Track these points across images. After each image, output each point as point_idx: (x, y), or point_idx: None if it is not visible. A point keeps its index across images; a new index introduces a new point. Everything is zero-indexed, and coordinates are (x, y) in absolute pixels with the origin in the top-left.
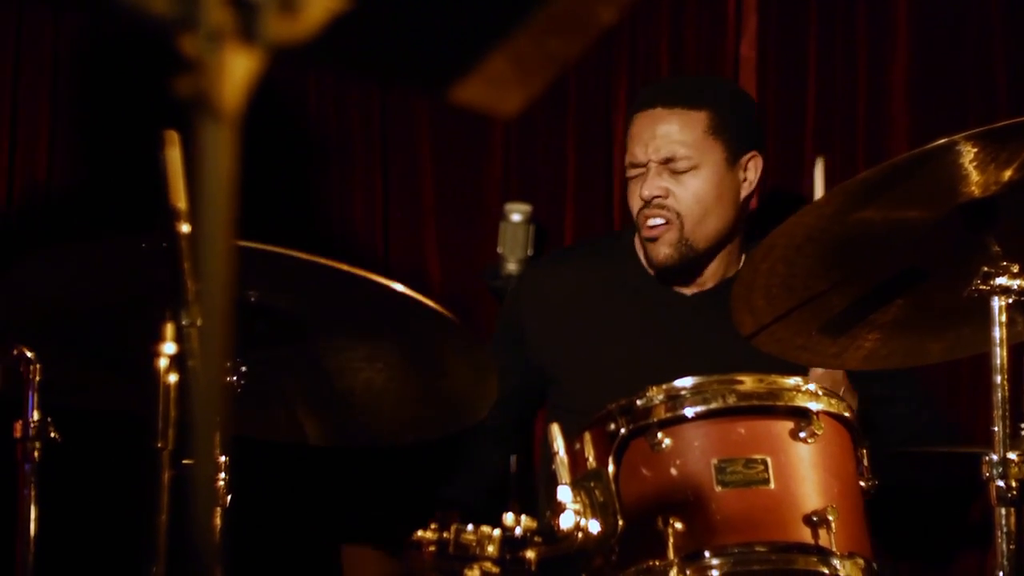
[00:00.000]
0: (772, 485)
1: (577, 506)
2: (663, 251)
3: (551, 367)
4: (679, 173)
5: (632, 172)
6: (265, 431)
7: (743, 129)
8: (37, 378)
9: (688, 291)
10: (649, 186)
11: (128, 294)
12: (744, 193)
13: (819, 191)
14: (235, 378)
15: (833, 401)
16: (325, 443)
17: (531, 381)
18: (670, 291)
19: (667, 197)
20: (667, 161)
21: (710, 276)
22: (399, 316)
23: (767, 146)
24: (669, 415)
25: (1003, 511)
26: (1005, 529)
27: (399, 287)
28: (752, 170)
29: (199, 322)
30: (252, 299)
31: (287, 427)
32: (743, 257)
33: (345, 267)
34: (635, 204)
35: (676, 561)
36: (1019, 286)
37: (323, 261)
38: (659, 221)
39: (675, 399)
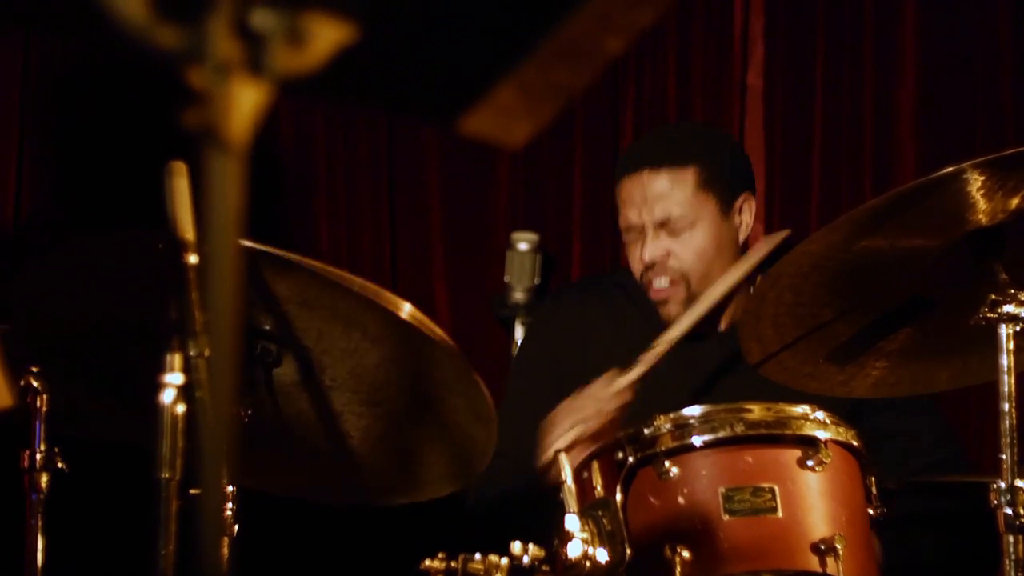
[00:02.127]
0: (780, 513)
1: (585, 535)
2: (674, 311)
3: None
4: (677, 232)
5: (628, 236)
6: (261, 483)
7: (732, 175)
8: (44, 408)
9: (704, 335)
10: (649, 250)
11: (135, 322)
12: (742, 237)
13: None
14: (243, 409)
15: (841, 429)
16: (319, 498)
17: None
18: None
19: (668, 258)
20: (663, 223)
21: (725, 320)
22: (404, 346)
23: (775, 174)
24: (676, 444)
25: (1011, 539)
26: (1013, 557)
27: (407, 309)
28: (747, 212)
29: (207, 352)
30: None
31: (282, 479)
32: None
33: (357, 283)
34: (637, 267)
35: None
36: None
37: (337, 273)
38: (664, 283)
39: (683, 428)
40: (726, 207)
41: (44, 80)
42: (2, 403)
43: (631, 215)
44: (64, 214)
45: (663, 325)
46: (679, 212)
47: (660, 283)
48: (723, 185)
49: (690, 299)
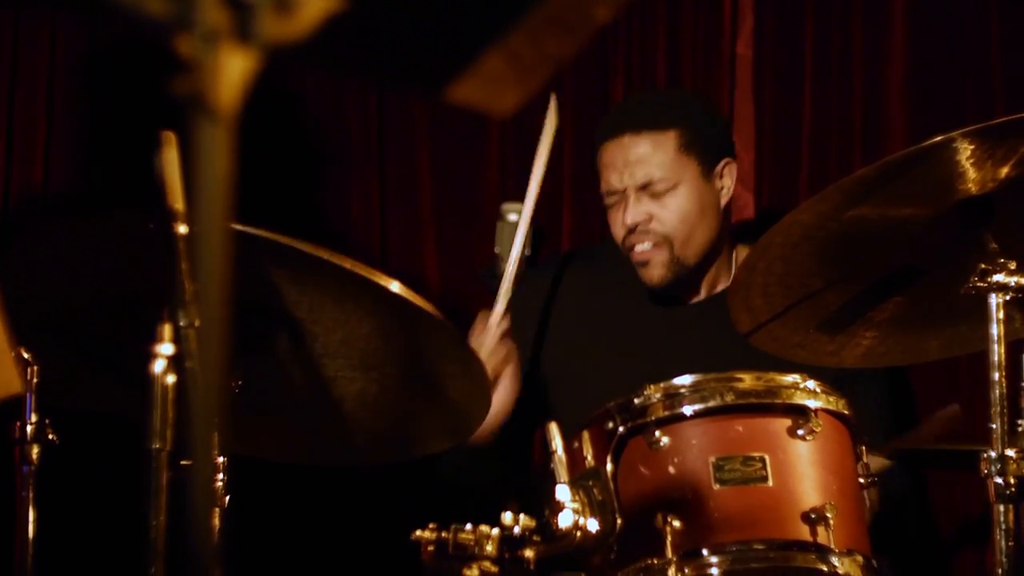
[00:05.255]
0: (770, 483)
1: (576, 505)
2: (656, 273)
3: (550, 374)
4: (659, 195)
5: (610, 200)
6: (253, 447)
7: (713, 139)
8: (35, 380)
9: (684, 302)
10: (631, 213)
11: (126, 293)
12: (724, 201)
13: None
14: (233, 379)
15: (832, 398)
16: (313, 461)
17: (532, 394)
18: (666, 303)
19: (651, 221)
20: (645, 186)
21: (705, 286)
22: (396, 319)
23: (765, 144)
24: (667, 413)
25: (1001, 508)
26: (1004, 526)
27: (396, 286)
28: (728, 176)
29: (197, 323)
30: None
31: (275, 443)
32: (734, 261)
33: (348, 262)
34: (619, 232)
35: (674, 559)
36: (1016, 283)
37: (325, 254)
38: (647, 246)
39: (673, 397)
40: (707, 170)
41: (34, 53)
42: (12, 389)
43: (612, 179)
44: (54, 185)
45: (646, 292)
46: (660, 174)
47: (642, 246)
48: (704, 148)
49: (672, 262)
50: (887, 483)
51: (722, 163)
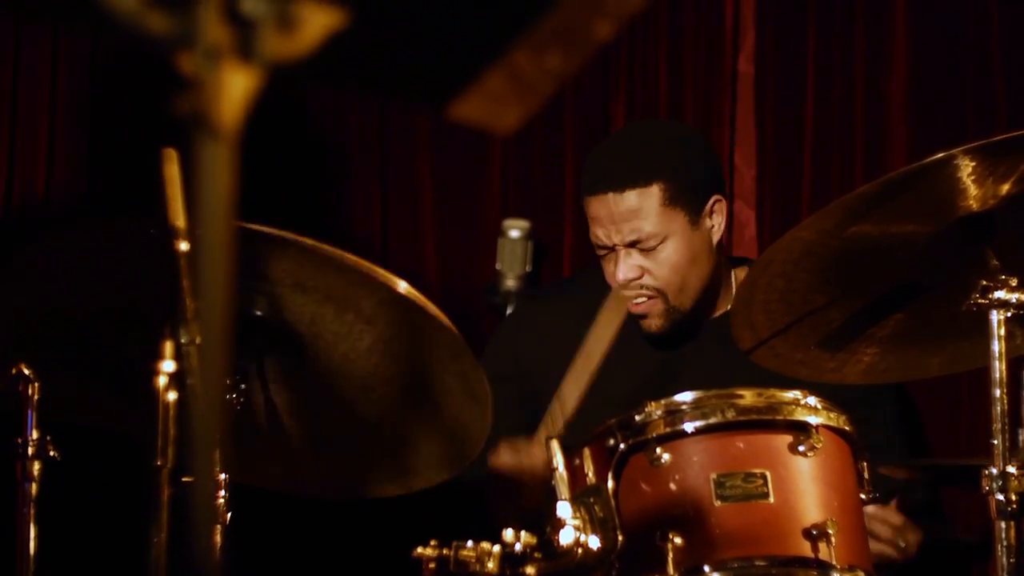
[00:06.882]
0: (772, 499)
1: (577, 522)
2: (654, 323)
3: (552, 394)
4: (648, 251)
5: (600, 251)
6: (254, 477)
7: (698, 184)
8: (36, 396)
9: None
10: (623, 269)
11: (127, 309)
12: (715, 239)
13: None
14: (234, 396)
15: (832, 415)
16: (309, 493)
17: (525, 417)
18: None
19: (643, 276)
20: (634, 243)
21: (705, 314)
22: (398, 327)
23: (767, 161)
24: (668, 430)
25: (1003, 524)
26: (1005, 543)
27: (403, 286)
28: (718, 214)
29: (198, 340)
30: (258, 312)
31: (274, 473)
32: (733, 283)
33: (353, 259)
34: (613, 283)
35: None
36: (1018, 299)
37: (331, 249)
38: (641, 300)
39: (674, 414)
40: (695, 216)
41: (36, 69)
42: None
43: (600, 234)
44: (56, 201)
45: (644, 329)
46: (648, 230)
47: (637, 300)
48: (690, 195)
49: (669, 311)
50: (911, 495)
51: (710, 202)
